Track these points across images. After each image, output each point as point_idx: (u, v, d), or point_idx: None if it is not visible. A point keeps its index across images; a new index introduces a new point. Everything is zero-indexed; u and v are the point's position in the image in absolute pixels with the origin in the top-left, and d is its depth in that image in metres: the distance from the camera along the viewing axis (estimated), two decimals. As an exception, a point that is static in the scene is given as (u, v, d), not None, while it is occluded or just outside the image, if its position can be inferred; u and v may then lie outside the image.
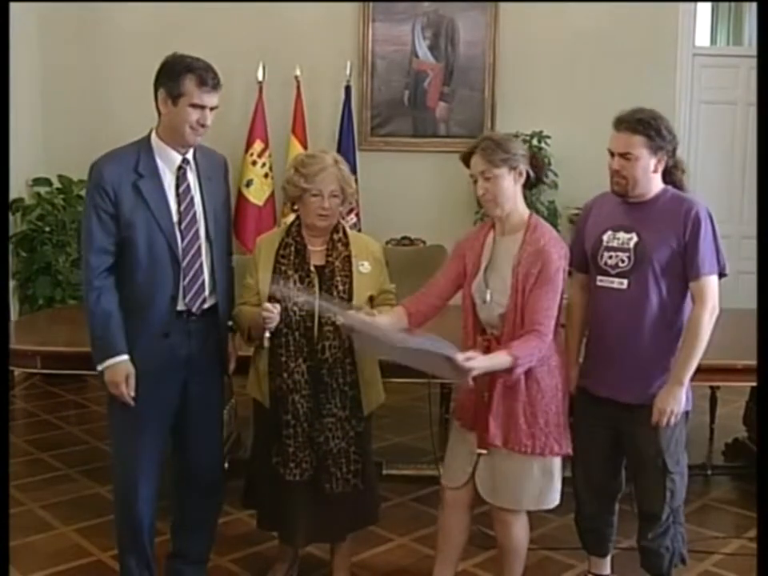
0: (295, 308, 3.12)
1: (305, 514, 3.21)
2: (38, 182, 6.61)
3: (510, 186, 3.00)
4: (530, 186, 3.09)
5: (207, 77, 2.95)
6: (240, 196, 6.53)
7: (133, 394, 3.01)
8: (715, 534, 4.03)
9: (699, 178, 7.02)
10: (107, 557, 3.64)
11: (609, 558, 3.46)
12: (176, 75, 2.95)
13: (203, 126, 2.99)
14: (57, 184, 6.61)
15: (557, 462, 3.09)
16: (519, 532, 3.17)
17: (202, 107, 2.96)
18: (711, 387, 4.99)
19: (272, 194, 6.60)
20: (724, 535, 4.02)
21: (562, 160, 6.58)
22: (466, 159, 3.04)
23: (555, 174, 6.61)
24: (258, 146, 6.59)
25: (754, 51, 7.44)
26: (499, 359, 2.87)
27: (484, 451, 3.05)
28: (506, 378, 2.95)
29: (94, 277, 2.98)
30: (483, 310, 3.06)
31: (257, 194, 6.58)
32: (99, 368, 3.02)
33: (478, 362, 2.82)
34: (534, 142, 6.63)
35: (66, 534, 3.96)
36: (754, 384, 4.34)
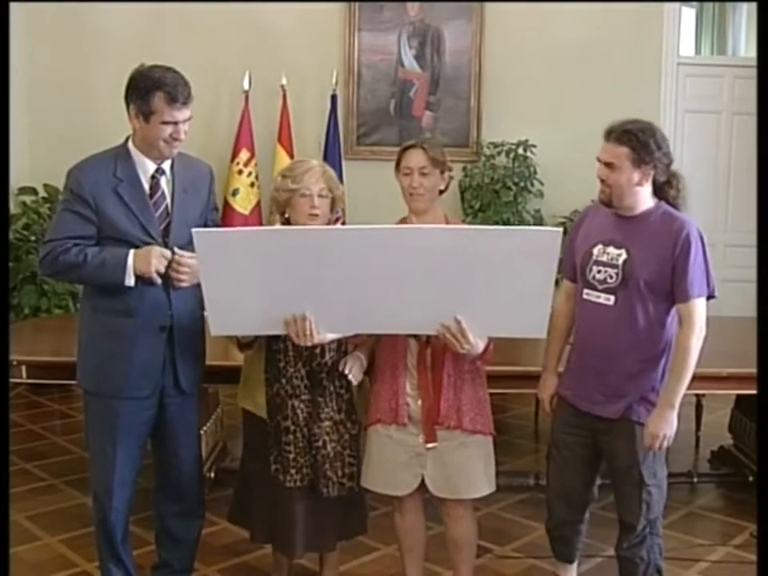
0: None
1: (302, 520, 3.18)
2: (23, 191, 6.60)
3: (438, 186, 3.10)
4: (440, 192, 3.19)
5: (177, 92, 2.88)
6: (226, 205, 6.52)
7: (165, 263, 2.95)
8: (701, 541, 4.02)
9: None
10: (93, 567, 3.60)
11: (575, 564, 3.47)
12: (145, 93, 2.88)
13: (177, 140, 2.96)
14: (42, 193, 6.60)
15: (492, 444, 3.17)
16: (474, 521, 3.21)
17: (175, 123, 2.92)
18: (697, 395, 5.00)
19: (258, 203, 6.58)
20: (710, 543, 4.02)
21: (547, 169, 6.61)
22: (402, 152, 3.11)
23: (541, 183, 6.65)
24: (244, 155, 6.60)
25: (737, 61, 7.55)
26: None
27: (434, 444, 3.04)
28: (475, 360, 3.02)
29: (64, 239, 2.93)
30: None
31: (243, 203, 6.58)
32: (128, 280, 2.90)
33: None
34: (520, 150, 6.65)
35: (51, 545, 3.93)
36: (740, 392, 4.38)
